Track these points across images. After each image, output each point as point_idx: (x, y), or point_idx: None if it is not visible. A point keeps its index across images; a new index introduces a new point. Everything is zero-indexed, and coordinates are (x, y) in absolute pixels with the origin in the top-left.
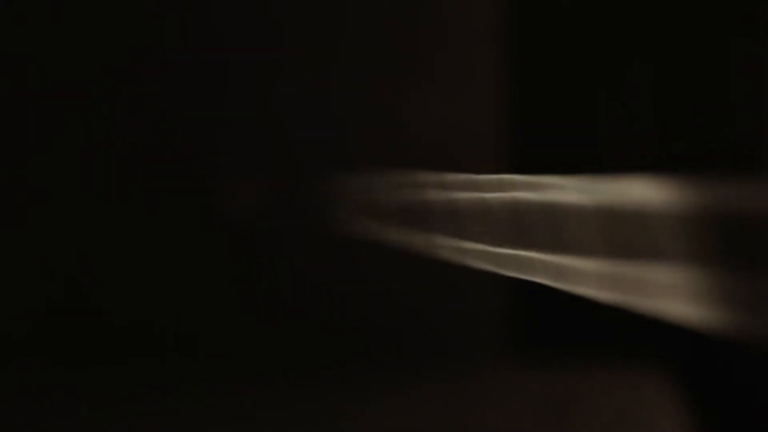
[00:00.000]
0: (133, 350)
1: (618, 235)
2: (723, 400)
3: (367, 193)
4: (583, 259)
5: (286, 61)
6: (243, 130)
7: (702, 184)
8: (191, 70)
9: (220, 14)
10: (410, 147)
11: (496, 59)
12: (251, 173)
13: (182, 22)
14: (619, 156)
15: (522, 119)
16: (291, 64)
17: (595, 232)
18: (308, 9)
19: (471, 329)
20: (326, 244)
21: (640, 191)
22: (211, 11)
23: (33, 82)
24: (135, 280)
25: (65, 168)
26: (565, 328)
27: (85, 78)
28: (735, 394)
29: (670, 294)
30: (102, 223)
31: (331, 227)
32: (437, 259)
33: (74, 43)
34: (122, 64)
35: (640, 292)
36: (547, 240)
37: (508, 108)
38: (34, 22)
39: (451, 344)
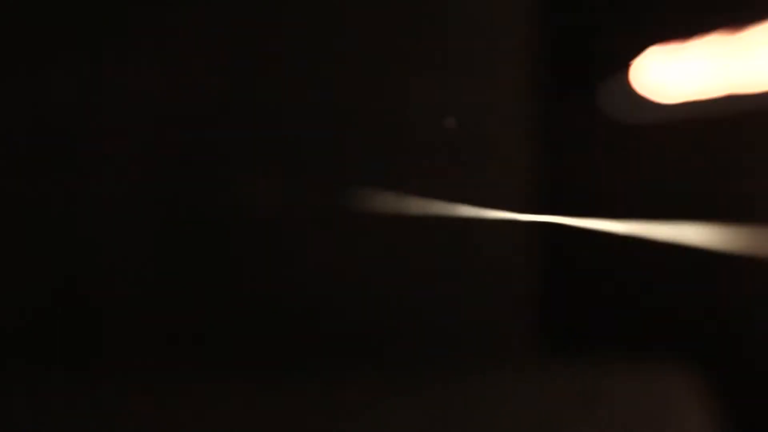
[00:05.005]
0: (136, 349)
1: None
2: (750, 398)
3: (377, 188)
4: None
5: (291, 53)
6: (250, 125)
7: None
8: (195, 63)
9: (227, 10)
10: (420, 141)
11: (513, 53)
12: (258, 168)
13: (188, 17)
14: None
15: (540, 117)
16: (297, 56)
17: None
18: (330, 3)
19: (495, 326)
20: (336, 238)
21: None
22: (218, 6)
23: (31, 74)
24: (139, 278)
25: (67, 164)
26: (591, 324)
27: (86, 73)
28: (763, 391)
29: None
30: (104, 221)
31: (341, 221)
32: (458, 253)
33: (75, 36)
34: (127, 61)
35: None
36: None
37: (524, 105)
38: (36, 15)
39: (475, 341)
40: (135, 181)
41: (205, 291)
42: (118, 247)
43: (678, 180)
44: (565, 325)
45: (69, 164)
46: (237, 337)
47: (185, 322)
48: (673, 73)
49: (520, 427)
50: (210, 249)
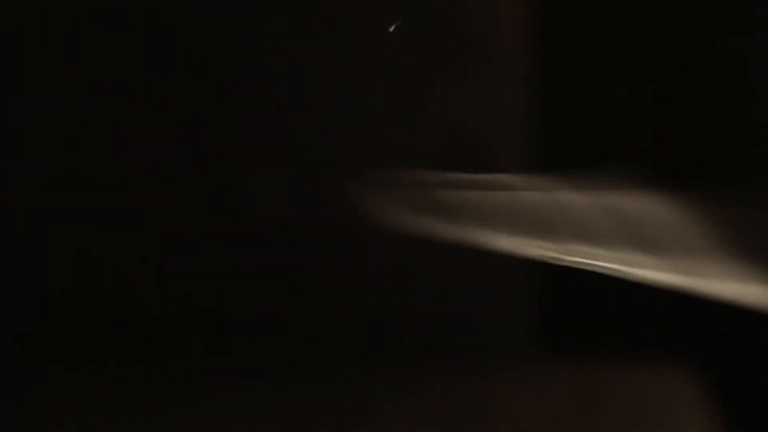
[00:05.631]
0: (142, 348)
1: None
2: (750, 398)
3: (396, 188)
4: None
5: (314, 58)
6: (273, 124)
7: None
8: (223, 61)
9: (255, 12)
10: (438, 142)
11: (523, 57)
12: (281, 167)
13: (211, 16)
14: (639, 154)
15: (547, 116)
16: (319, 60)
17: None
18: (339, 6)
19: (496, 327)
20: (353, 240)
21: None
22: (244, 7)
23: (58, 64)
24: (152, 275)
25: (85, 166)
26: (592, 325)
27: (108, 70)
28: (762, 391)
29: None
30: (118, 221)
31: (360, 223)
32: (464, 257)
33: (97, 35)
34: (148, 58)
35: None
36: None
37: (534, 105)
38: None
39: (476, 342)
40: (156, 177)
41: (231, 286)
42: (140, 241)
43: None
44: (565, 324)
45: (87, 165)
46: (255, 333)
47: (208, 318)
48: None
49: (521, 427)
50: (238, 244)
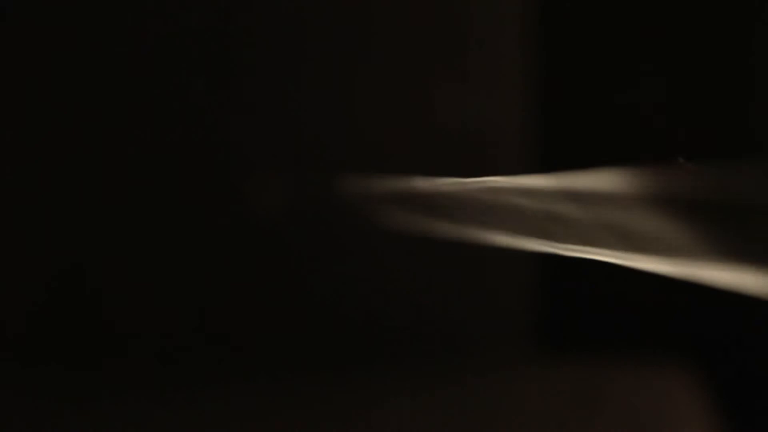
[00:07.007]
0: (140, 348)
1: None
2: (750, 398)
3: (395, 189)
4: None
5: (311, 56)
6: (268, 124)
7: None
8: (214, 62)
9: (246, 9)
10: (436, 142)
11: (523, 56)
12: (276, 168)
13: (206, 15)
14: (641, 149)
15: (547, 115)
16: (317, 59)
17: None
18: (335, 4)
19: (495, 326)
20: (348, 240)
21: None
22: (236, 3)
23: (45, 70)
24: (150, 276)
25: (82, 166)
26: (591, 325)
27: (101, 71)
28: (762, 391)
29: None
30: (115, 219)
31: (359, 224)
32: (461, 256)
33: (90, 33)
34: (140, 57)
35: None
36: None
37: (534, 104)
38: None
39: (475, 342)
40: (151, 177)
41: (222, 288)
42: (133, 244)
43: None
44: (565, 325)
45: (83, 160)
46: (252, 336)
47: (199, 320)
48: None
49: (520, 428)
50: (229, 245)
